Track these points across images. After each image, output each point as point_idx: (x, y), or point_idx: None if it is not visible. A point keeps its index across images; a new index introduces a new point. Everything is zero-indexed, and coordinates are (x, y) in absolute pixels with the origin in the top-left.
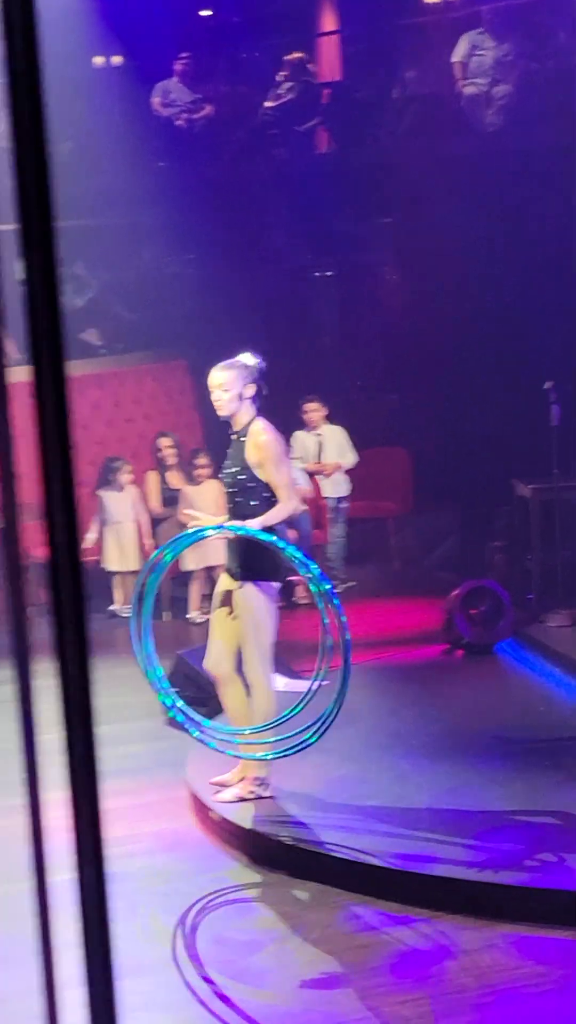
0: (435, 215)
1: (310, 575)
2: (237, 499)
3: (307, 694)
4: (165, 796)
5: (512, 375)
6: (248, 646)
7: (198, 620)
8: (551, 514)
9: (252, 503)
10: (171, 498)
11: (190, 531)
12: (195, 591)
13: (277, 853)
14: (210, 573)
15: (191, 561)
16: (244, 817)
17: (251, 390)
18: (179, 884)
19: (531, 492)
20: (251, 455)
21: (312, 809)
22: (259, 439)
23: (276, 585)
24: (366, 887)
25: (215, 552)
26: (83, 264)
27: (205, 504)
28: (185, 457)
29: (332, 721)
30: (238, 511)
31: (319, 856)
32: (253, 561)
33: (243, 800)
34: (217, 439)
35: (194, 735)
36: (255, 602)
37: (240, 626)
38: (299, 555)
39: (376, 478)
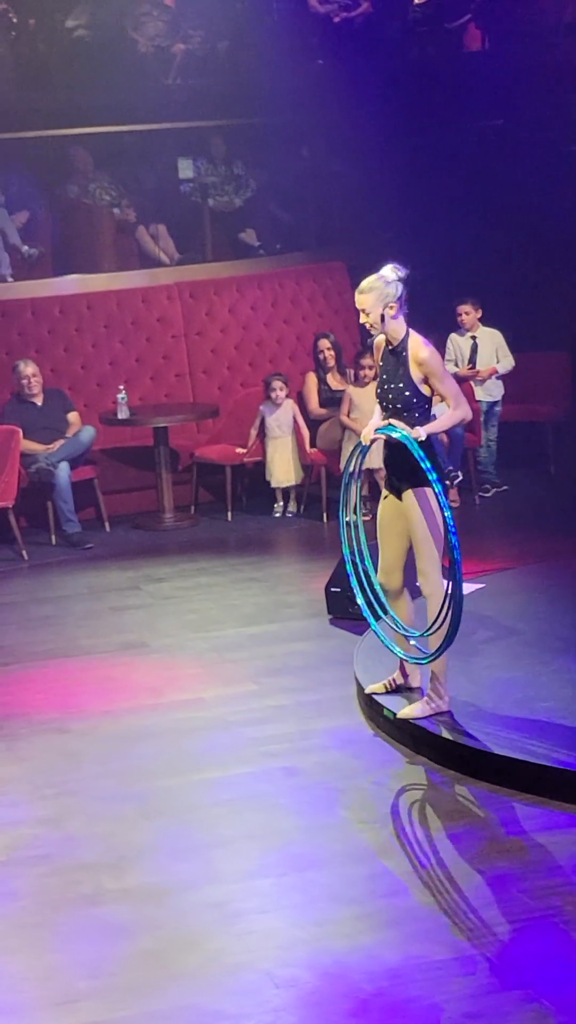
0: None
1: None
2: (404, 414)
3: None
4: (335, 694)
5: None
6: (421, 556)
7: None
8: None
9: (417, 415)
10: (330, 399)
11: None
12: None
13: (449, 753)
14: (370, 475)
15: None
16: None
17: (392, 310)
18: (354, 780)
19: None
20: (415, 371)
21: (484, 710)
22: (420, 355)
23: (440, 489)
24: (538, 788)
25: (375, 455)
26: (242, 164)
27: (369, 405)
28: (346, 358)
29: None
30: (410, 421)
31: (491, 756)
32: (416, 469)
33: (426, 717)
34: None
35: (373, 627)
36: (423, 510)
37: (410, 536)
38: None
39: (534, 381)
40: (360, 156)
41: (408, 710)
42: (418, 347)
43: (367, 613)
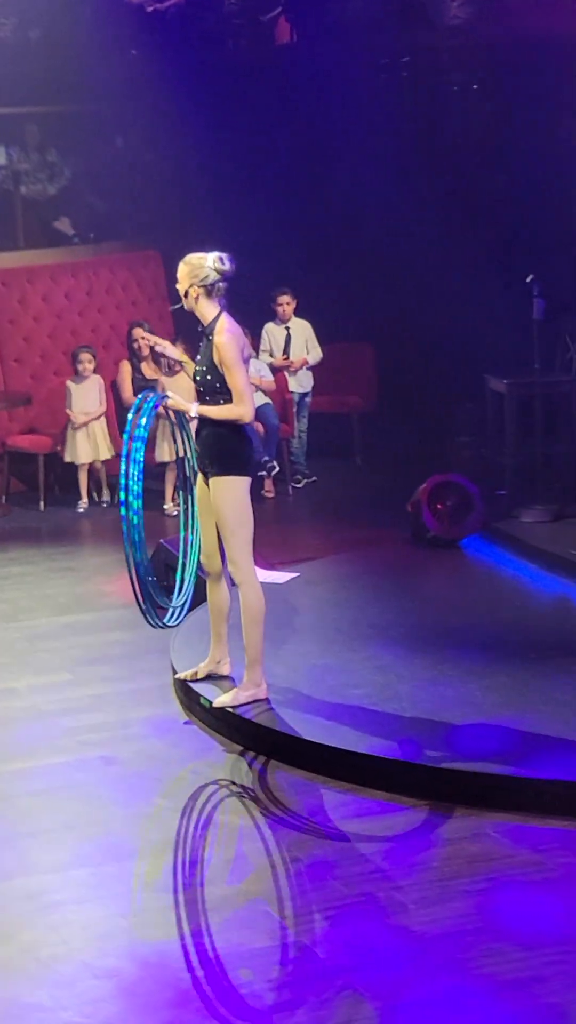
0: (400, 103)
1: None
2: (207, 398)
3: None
4: (153, 683)
5: (488, 268)
6: (228, 541)
7: (173, 512)
8: (528, 409)
9: (221, 401)
10: (143, 388)
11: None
12: (169, 482)
13: (265, 740)
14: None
15: (166, 452)
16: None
17: (197, 292)
18: (172, 769)
19: (507, 387)
20: (215, 354)
21: (298, 697)
22: (218, 339)
23: (248, 479)
24: (353, 775)
25: (165, 449)
26: (56, 152)
27: (183, 394)
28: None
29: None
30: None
31: (306, 744)
32: (227, 454)
33: (242, 705)
34: (191, 330)
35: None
36: (231, 495)
37: (219, 522)
38: None
39: (341, 373)
40: (176, 146)
41: (225, 698)
42: (220, 331)
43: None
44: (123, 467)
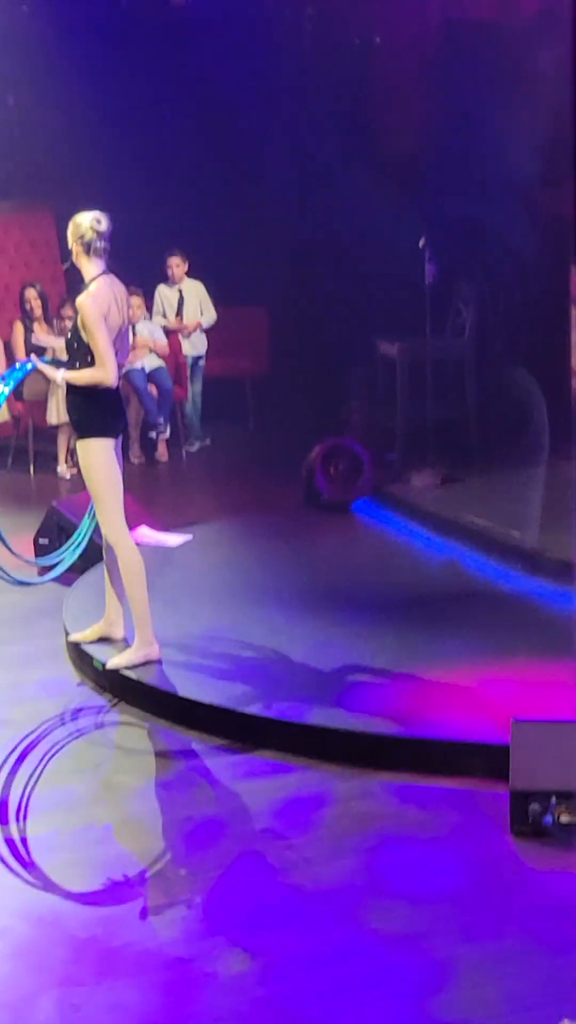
0: (300, 59)
1: None
2: (75, 363)
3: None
4: (45, 644)
5: (379, 232)
6: (96, 503)
7: (67, 475)
8: (420, 373)
9: (84, 361)
10: (36, 349)
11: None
12: (62, 445)
13: (158, 701)
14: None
15: (55, 415)
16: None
17: (78, 248)
18: (65, 730)
19: (398, 351)
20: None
21: (190, 658)
22: (79, 301)
23: (110, 440)
24: (244, 736)
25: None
26: None
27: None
28: (52, 309)
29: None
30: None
31: (198, 704)
32: (87, 417)
33: (135, 665)
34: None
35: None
36: (93, 458)
37: (86, 485)
38: None
39: (234, 337)
40: (69, 106)
41: (118, 659)
42: (85, 293)
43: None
44: None
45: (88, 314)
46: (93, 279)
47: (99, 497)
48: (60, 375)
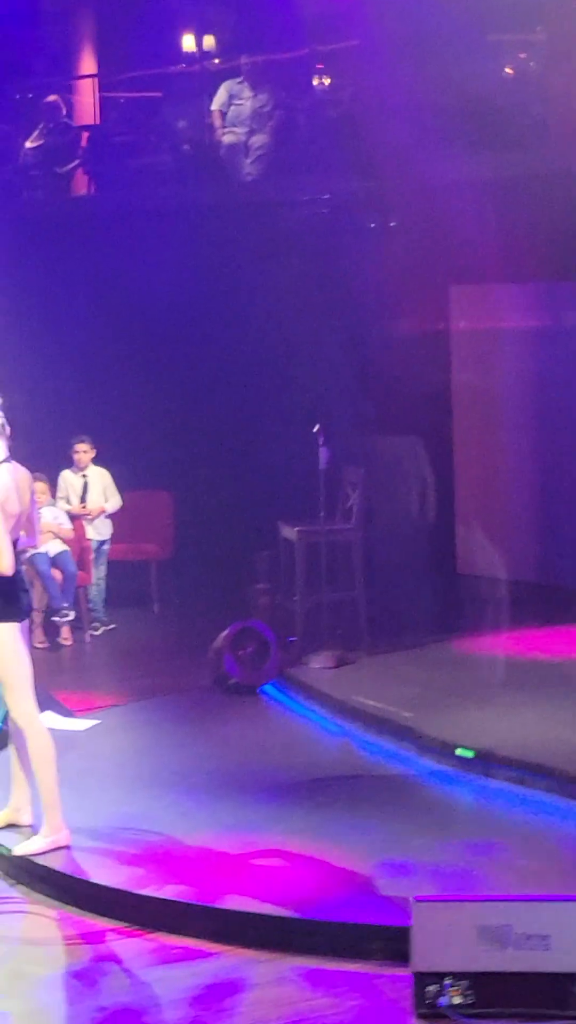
0: (199, 257)
1: None
2: None
3: None
4: None
5: (280, 419)
6: (4, 688)
7: None
8: (317, 556)
9: None
10: None
11: None
12: None
13: (67, 888)
14: None
15: None
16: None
17: None
18: None
19: (296, 535)
20: None
21: (99, 844)
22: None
23: (14, 624)
24: (157, 922)
25: None
26: None
27: None
28: None
29: None
30: None
31: (107, 890)
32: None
33: (43, 852)
34: None
35: None
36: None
37: None
38: None
39: (139, 521)
40: None
41: (26, 845)
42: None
43: None
44: None
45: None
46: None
47: (7, 682)
48: None
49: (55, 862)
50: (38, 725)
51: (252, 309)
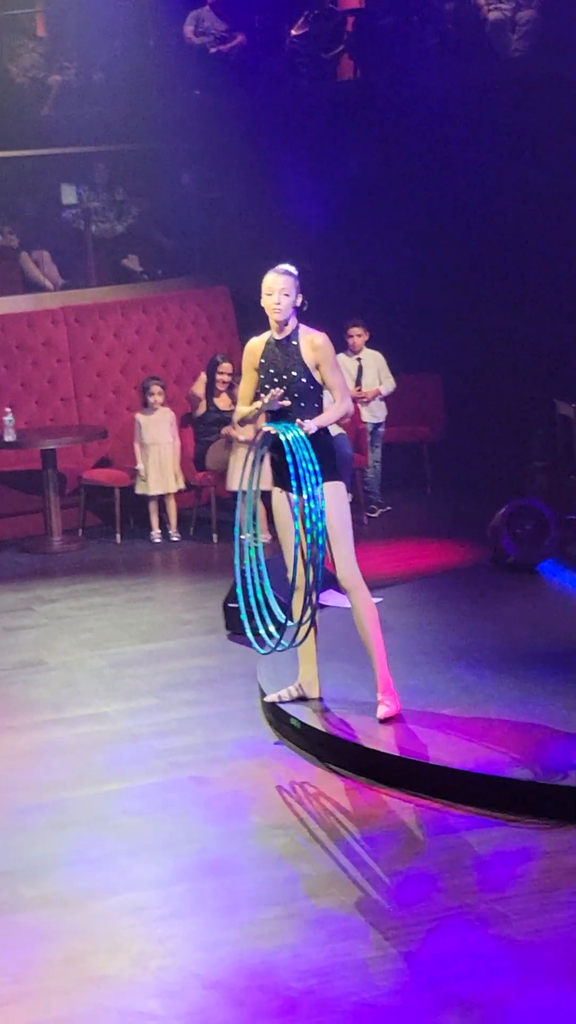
0: (462, 140)
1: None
2: (302, 404)
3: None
4: (239, 706)
5: (553, 295)
6: (340, 546)
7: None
8: None
9: (315, 406)
10: (218, 420)
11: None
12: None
13: (357, 759)
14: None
15: (236, 481)
16: (322, 724)
17: (300, 299)
18: (264, 788)
19: (574, 411)
20: (308, 356)
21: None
22: (316, 340)
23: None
24: (446, 792)
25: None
26: (123, 190)
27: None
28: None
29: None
30: (300, 416)
31: (399, 761)
32: (329, 461)
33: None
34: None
35: (261, 652)
36: (340, 501)
37: (330, 528)
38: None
39: (411, 403)
40: (242, 182)
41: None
42: (312, 334)
43: (255, 643)
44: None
45: (331, 350)
46: (298, 326)
47: (343, 539)
48: (312, 425)
49: (344, 732)
50: (364, 585)
51: (523, 188)
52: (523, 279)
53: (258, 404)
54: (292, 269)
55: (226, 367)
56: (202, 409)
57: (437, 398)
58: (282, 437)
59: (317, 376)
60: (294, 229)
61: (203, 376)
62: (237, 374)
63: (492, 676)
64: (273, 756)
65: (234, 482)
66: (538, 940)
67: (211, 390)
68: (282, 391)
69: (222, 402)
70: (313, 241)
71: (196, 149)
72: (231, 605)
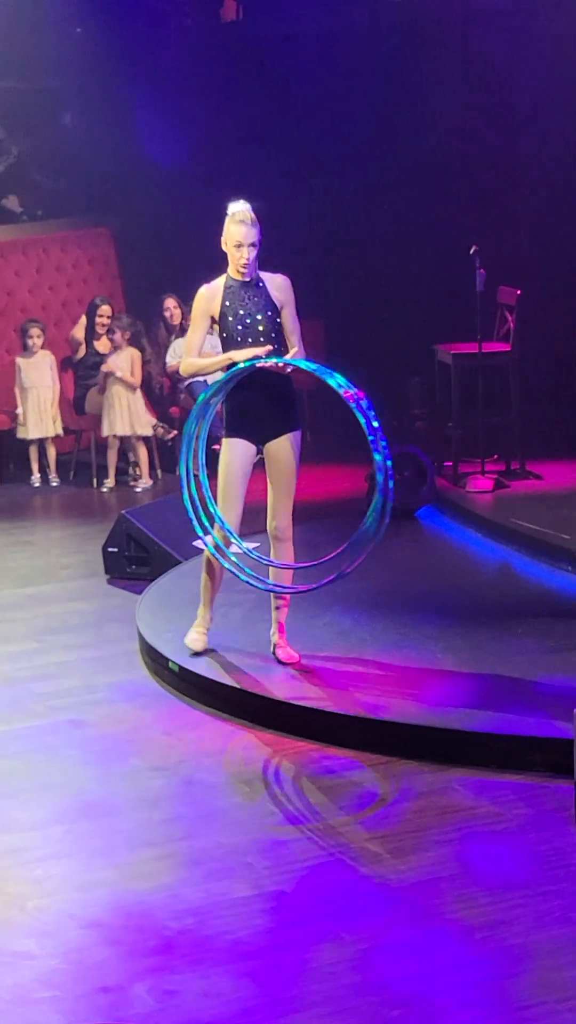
0: (344, 82)
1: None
2: (276, 343)
3: None
4: (118, 649)
5: (434, 240)
6: (290, 499)
7: (138, 488)
8: (473, 380)
9: (283, 350)
10: (97, 364)
11: (244, 362)
12: (111, 459)
13: (236, 702)
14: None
15: (124, 426)
16: (200, 667)
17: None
18: (143, 730)
19: (452, 359)
20: (276, 297)
21: (265, 661)
22: (280, 281)
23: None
24: (323, 734)
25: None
26: (3, 129)
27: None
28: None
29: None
30: (275, 355)
31: (277, 704)
32: (299, 409)
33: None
34: (139, 306)
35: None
36: (298, 451)
37: (283, 478)
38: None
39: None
40: (124, 123)
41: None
42: (275, 275)
43: (216, 554)
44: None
45: (292, 292)
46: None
47: (294, 490)
48: (299, 356)
49: (223, 676)
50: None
51: (406, 130)
52: (403, 224)
53: (223, 357)
54: (254, 216)
55: (105, 310)
56: (82, 352)
57: (319, 344)
58: (331, 381)
59: (280, 317)
60: (173, 171)
61: (83, 319)
62: (115, 318)
63: (368, 620)
64: (151, 699)
65: (116, 426)
66: (409, 879)
67: (91, 333)
68: (271, 347)
69: (102, 345)
70: (197, 184)
71: (78, 88)
72: (110, 549)
